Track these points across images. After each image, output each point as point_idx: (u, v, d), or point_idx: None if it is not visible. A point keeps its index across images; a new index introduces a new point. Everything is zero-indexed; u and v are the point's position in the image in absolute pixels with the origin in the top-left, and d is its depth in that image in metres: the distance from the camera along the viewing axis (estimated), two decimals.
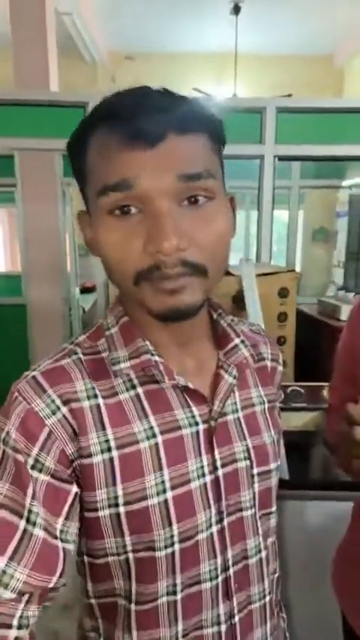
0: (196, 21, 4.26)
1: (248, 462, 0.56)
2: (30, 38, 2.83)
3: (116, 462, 0.49)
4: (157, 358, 0.51)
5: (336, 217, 4.75)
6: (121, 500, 0.49)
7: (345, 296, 1.99)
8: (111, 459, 0.49)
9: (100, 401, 0.50)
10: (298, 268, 4.35)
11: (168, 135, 0.43)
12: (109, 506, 0.49)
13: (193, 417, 0.53)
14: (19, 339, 3.18)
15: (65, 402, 0.48)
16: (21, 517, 0.45)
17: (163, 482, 0.50)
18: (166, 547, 0.50)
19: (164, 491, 0.50)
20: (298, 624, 1.07)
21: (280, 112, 1.93)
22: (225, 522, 0.54)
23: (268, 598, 0.60)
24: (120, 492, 0.49)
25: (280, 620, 0.65)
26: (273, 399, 0.63)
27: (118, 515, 0.49)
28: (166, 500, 0.50)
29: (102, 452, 0.49)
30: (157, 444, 0.50)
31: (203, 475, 0.53)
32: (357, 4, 3.80)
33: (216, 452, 0.54)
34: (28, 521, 0.46)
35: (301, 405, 1.31)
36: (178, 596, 0.52)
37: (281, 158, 2.00)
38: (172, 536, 0.50)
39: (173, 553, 0.51)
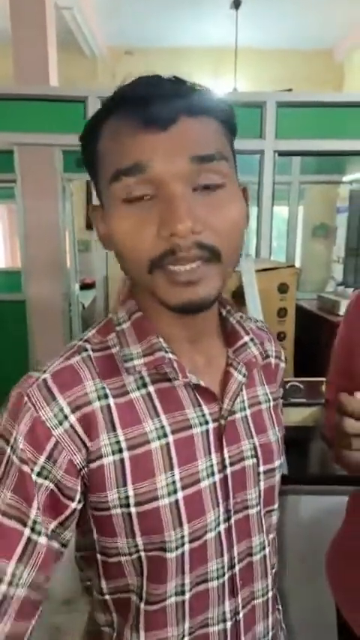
0: (196, 15, 4.24)
1: (255, 460, 0.56)
2: (30, 33, 2.81)
3: (127, 463, 0.48)
4: (171, 356, 0.50)
5: (336, 213, 4.74)
6: (132, 501, 0.48)
7: (344, 291, 1.99)
8: (122, 460, 0.48)
9: (111, 401, 0.49)
10: (297, 264, 4.34)
11: (180, 118, 0.43)
12: (120, 506, 0.48)
13: (204, 415, 0.53)
14: (19, 335, 3.18)
15: (75, 409, 0.47)
16: (25, 525, 0.44)
17: (174, 482, 0.49)
18: (176, 548, 0.50)
19: (175, 491, 0.49)
20: (293, 617, 1.07)
21: (280, 106, 1.92)
22: (232, 520, 0.54)
23: (270, 594, 0.60)
24: (131, 493, 0.48)
25: (275, 612, 0.66)
26: (277, 397, 0.63)
27: (129, 514, 0.48)
28: (177, 501, 0.49)
29: (113, 453, 0.48)
30: (168, 444, 0.50)
31: (212, 474, 0.52)
32: None
33: (225, 450, 0.53)
34: (32, 530, 0.45)
35: (300, 401, 1.31)
36: (186, 596, 0.52)
37: (281, 153, 2.00)
38: (182, 537, 0.50)
39: (183, 554, 0.50)
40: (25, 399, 0.47)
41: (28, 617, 0.45)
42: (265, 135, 1.92)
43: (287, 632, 0.70)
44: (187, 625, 0.53)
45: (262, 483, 0.57)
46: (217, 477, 0.53)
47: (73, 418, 0.47)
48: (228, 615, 0.55)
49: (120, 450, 0.48)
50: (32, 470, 0.45)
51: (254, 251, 2.08)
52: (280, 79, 4.48)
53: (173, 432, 0.51)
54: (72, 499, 0.47)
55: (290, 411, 1.26)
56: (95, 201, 0.54)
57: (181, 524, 0.49)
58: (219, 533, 0.53)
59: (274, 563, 0.63)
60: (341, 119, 1.96)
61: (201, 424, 0.52)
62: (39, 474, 0.45)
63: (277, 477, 0.60)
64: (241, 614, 0.56)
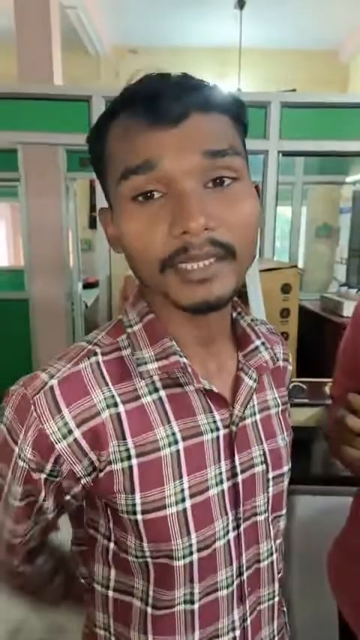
0: (200, 15, 4.23)
1: (264, 466, 0.55)
2: (34, 32, 2.82)
3: (135, 471, 0.47)
4: (185, 360, 0.49)
5: (339, 214, 4.74)
6: (138, 509, 0.47)
7: (347, 292, 1.98)
8: (130, 467, 0.47)
9: (121, 408, 0.48)
10: (301, 264, 4.34)
11: (191, 113, 0.42)
12: (127, 512, 0.48)
13: (215, 422, 0.51)
14: (22, 333, 3.19)
15: (80, 424, 0.46)
16: (37, 502, 0.50)
17: (182, 490, 0.48)
18: (184, 557, 0.49)
19: (183, 500, 0.48)
20: (295, 617, 1.07)
21: (284, 107, 1.92)
22: (242, 528, 0.53)
23: (277, 599, 0.59)
24: (138, 501, 0.47)
25: (281, 615, 0.65)
26: (285, 401, 0.62)
27: (136, 521, 0.48)
28: (184, 510, 0.48)
29: (122, 460, 0.47)
30: (178, 451, 0.49)
31: (221, 482, 0.51)
32: None
33: (236, 458, 0.52)
34: (41, 508, 0.51)
35: (303, 401, 1.31)
36: (196, 605, 0.51)
37: (285, 153, 2.00)
38: (190, 546, 0.49)
39: (191, 562, 0.50)
40: (32, 407, 0.46)
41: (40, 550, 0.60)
42: (269, 135, 1.92)
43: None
44: (197, 635, 0.52)
45: (270, 489, 0.56)
46: (226, 485, 0.52)
47: (77, 432, 0.46)
48: (237, 623, 0.54)
49: (129, 457, 0.47)
50: (39, 474, 0.47)
51: (257, 251, 2.08)
52: (285, 79, 4.47)
53: (184, 439, 0.49)
54: (68, 494, 0.50)
55: (293, 411, 1.26)
56: (100, 202, 0.53)
57: (188, 533, 0.49)
58: (228, 541, 0.52)
59: (280, 568, 0.62)
60: (345, 120, 1.95)
61: (212, 430, 0.51)
62: (45, 479, 0.48)
63: (286, 483, 0.59)
64: (248, 621, 0.55)
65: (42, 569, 0.62)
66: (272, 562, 0.58)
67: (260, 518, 0.55)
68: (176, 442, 0.49)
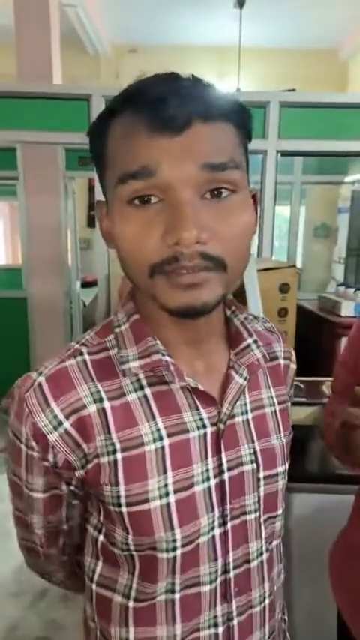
0: (200, 14, 4.23)
1: (255, 465, 0.55)
2: (34, 31, 2.82)
3: (120, 464, 0.49)
4: (167, 358, 0.50)
5: (338, 213, 4.75)
6: (123, 501, 0.49)
7: (345, 292, 1.99)
8: (115, 461, 0.49)
9: (106, 404, 0.49)
10: (299, 264, 4.35)
11: (193, 122, 0.41)
12: (113, 504, 0.50)
13: (201, 419, 0.52)
14: (20, 332, 3.20)
15: (70, 414, 0.49)
16: (62, 490, 0.53)
17: (166, 485, 0.49)
18: (167, 550, 0.50)
19: (167, 494, 0.49)
20: (294, 617, 1.08)
21: (283, 106, 1.93)
22: (228, 526, 0.53)
23: (268, 600, 0.59)
24: (122, 493, 0.49)
25: (281, 622, 0.65)
26: (284, 400, 0.61)
27: (121, 514, 0.49)
28: (168, 504, 0.49)
29: (107, 454, 0.49)
30: (162, 447, 0.50)
31: (208, 479, 0.52)
32: None
33: (223, 455, 0.52)
34: (67, 497, 0.54)
35: (301, 400, 1.32)
36: (176, 596, 0.52)
37: (284, 153, 2.00)
38: (174, 540, 0.50)
39: (175, 556, 0.50)
40: (24, 404, 0.49)
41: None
42: (268, 135, 1.93)
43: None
44: (178, 628, 0.53)
45: (262, 489, 0.56)
46: (213, 482, 0.52)
47: (67, 424, 0.49)
48: (220, 620, 0.54)
49: (114, 451, 0.49)
50: (49, 463, 0.50)
51: (256, 251, 2.08)
52: (284, 78, 4.48)
53: (169, 436, 0.50)
54: (72, 484, 0.53)
55: (290, 410, 1.27)
56: (98, 196, 0.53)
57: (172, 528, 0.49)
58: (213, 537, 0.52)
59: (278, 570, 0.62)
60: (344, 120, 1.96)
61: (198, 428, 0.51)
62: (53, 466, 0.51)
63: (281, 483, 0.58)
64: (235, 621, 0.55)
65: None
66: (262, 562, 0.57)
67: (250, 517, 0.55)
68: (161, 438, 0.50)
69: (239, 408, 0.55)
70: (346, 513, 0.88)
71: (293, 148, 2.00)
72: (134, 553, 0.51)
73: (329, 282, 4.41)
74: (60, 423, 0.48)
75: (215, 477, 0.52)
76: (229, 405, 0.53)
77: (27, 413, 0.49)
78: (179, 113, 0.41)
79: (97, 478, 0.50)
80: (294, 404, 0.67)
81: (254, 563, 0.56)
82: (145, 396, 0.51)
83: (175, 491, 0.50)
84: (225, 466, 0.53)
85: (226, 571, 0.54)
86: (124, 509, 0.49)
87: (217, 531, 0.53)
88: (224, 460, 0.52)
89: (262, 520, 0.56)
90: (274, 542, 0.60)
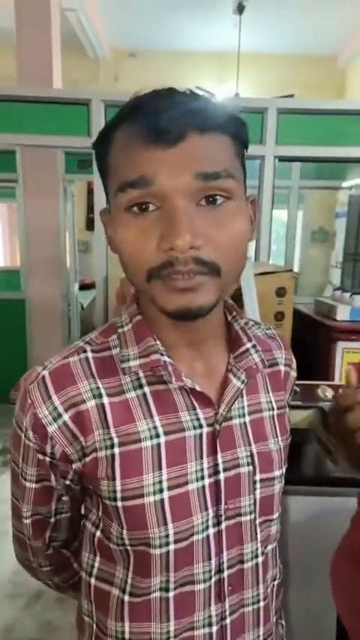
0: (199, 19, 4.26)
1: (251, 467, 0.56)
2: (34, 34, 2.83)
3: (117, 459, 0.51)
4: (166, 358, 0.52)
5: (335, 218, 4.77)
6: (118, 495, 0.51)
7: (341, 296, 2.01)
8: (112, 456, 0.51)
9: (105, 400, 0.52)
10: (296, 268, 4.37)
11: (188, 134, 0.44)
12: (109, 499, 0.51)
13: (198, 419, 0.53)
14: (18, 333, 3.20)
15: (69, 408, 0.51)
16: (52, 483, 0.55)
17: (160, 481, 0.51)
18: (160, 546, 0.51)
19: (161, 490, 0.51)
20: (290, 620, 1.09)
21: (281, 113, 1.94)
22: (223, 526, 0.54)
23: (262, 603, 0.59)
24: (118, 488, 0.51)
25: (278, 627, 0.65)
26: (283, 405, 0.63)
27: (117, 508, 0.51)
28: (162, 500, 0.51)
29: (105, 448, 0.51)
30: (159, 444, 0.51)
31: (202, 478, 0.53)
32: None
33: (219, 455, 0.54)
34: (57, 490, 0.56)
35: (296, 403, 1.33)
36: (171, 594, 0.53)
37: (282, 159, 2.02)
38: (167, 536, 0.51)
39: (168, 552, 0.52)
40: (27, 395, 0.52)
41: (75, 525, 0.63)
42: (266, 141, 1.94)
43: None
44: (172, 625, 0.54)
45: (257, 492, 0.57)
46: (207, 481, 0.53)
47: (66, 416, 0.51)
48: (214, 619, 0.55)
49: (112, 446, 0.51)
50: (44, 457, 0.53)
51: (253, 254, 2.10)
52: (283, 84, 4.51)
53: (166, 434, 0.52)
54: (68, 478, 0.55)
55: (289, 415, 1.27)
56: (98, 204, 0.55)
57: (165, 523, 0.51)
58: (207, 536, 0.54)
59: (273, 574, 0.63)
60: (342, 126, 1.98)
61: (195, 427, 0.53)
62: (50, 462, 0.53)
63: (277, 487, 0.59)
64: (228, 620, 0.56)
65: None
66: (257, 564, 0.58)
67: (245, 519, 0.56)
68: (157, 436, 0.52)
69: (237, 410, 0.56)
70: (342, 516, 0.88)
71: (290, 154, 2.02)
72: (129, 548, 0.52)
73: (326, 286, 4.43)
74: (59, 415, 0.51)
75: (210, 476, 0.53)
76: (226, 407, 0.54)
77: (29, 404, 0.51)
78: (174, 126, 0.43)
79: (95, 472, 0.51)
80: (289, 407, 0.68)
81: (248, 565, 0.57)
82: (144, 395, 0.53)
83: (170, 488, 0.51)
84: (220, 466, 0.54)
85: (220, 570, 0.55)
86: (119, 503, 0.51)
87: (212, 531, 0.54)
88: (220, 460, 0.54)
89: (257, 522, 0.57)
90: (269, 547, 0.61)
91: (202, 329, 0.53)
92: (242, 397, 0.57)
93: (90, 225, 4.99)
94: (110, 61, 5.06)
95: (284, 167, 2.85)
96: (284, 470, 0.61)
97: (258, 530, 0.58)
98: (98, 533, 0.56)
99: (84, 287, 4.10)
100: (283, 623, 0.68)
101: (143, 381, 0.53)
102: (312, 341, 1.95)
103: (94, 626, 0.58)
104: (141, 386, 0.53)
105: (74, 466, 0.53)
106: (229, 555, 0.55)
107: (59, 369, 0.53)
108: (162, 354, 0.52)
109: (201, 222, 0.45)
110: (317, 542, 0.92)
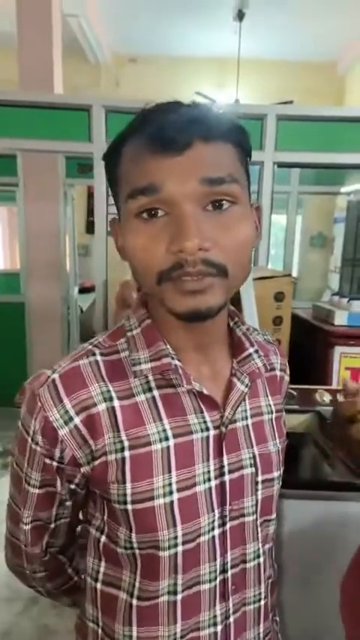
0: (200, 25, 4.30)
1: (254, 469, 0.58)
2: (36, 39, 2.85)
3: (127, 462, 0.51)
4: (177, 362, 0.53)
5: (334, 223, 4.79)
6: (129, 499, 0.51)
7: (339, 301, 2.01)
8: (123, 459, 0.51)
9: (116, 403, 0.52)
10: (295, 273, 4.38)
11: (194, 142, 0.46)
12: (119, 502, 0.52)
13: (205, 422, 0.55)
14: (17, 336, 3.20)
15: (80, 411, 0.51)
16: (56, 491, 0.55)
17: (170, 484, 0.52)
18: (169, 547, 0.52)
19: (171, 493, 0.52)
20: (283, 622, 1.09)
21: (280, 119, 1.96)
22: (227, 526, 0.56)
23: (263, 602, 0.61)
24: (129, 491, 0.51)
25: (273, 624, 0.67)
26: (280, 409, 0.65)
27: (126, 511, 0.52)
28: (172, 502, 0.52)
29: (115, 452, 0.51)
30: (168, 447, 0.52)
31: (209, 480, 0.54)
32: None
33: (224, 457, 0.55)
34: (61, 495, 0.56)
35: (293, 407, 1.34)
36: (178, 597, 0.54)
37: (281, 165, 2.04)
38: (175, 537, 0.52)
39: (176, 554, 0.52)
40: (37, 398, 0.52)
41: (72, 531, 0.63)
42: (265, 147, 1.96)
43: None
44: (178, 627, 0.55)
45: (259, 492, 0.58)
46: (214, 483, 0.54)
47: (77, 420, 0.51)
48: (219, 619, 0.57)
49: (122, 449, 0.52)
50: (51, 461, 0.53)
51: (252, 259, 2.11)
52: (282, 90, 4.54)
53: (174, 436, 0.53)
54: (72, 482, 0.55)
55: (285, 418, 1.28)
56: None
57: (174, 525, 0.52)
58: (213, 537, 0.55)
59: (270, 574, 0.64)
60: (340, 133, 1.99)
61: (202, 430, 0.54)
62: (57, 467, 0.53)
63: (276, 488, 0.61)
64: (231, 619, 0.57)
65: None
66: (259, 564, 0.60)
67: (248, 519, 0.58)
68: (167, 438, 0.53)
69: (240, 413, 0.58)
70: (338, 520, 0.89)
71: (289, 160, 2.03)
72: (137, 551, 0.53)
73: (325, 291, 4.44)
74: (70, 419, 0.51)
75: (216, 478, 0.55)
76: (231, 410, 0.56)
77: (39, 407, 0.51)
78: (180, 136, 0.46)
79: (105, 476, 0.52)
80: (286, 411, 0.69)
81: (250, 564, 0.59)
82: (154, 398, 0.54)
83: (179, 490, 0.52)
84: (226, 468, 0.55)
85: (224, 570, 0.56)
86: (129, 506, 0.51)
87: (217, 531, 0.55)
88: (225, 462, 0.55)
89: (258, 523, 0.59)
90: (267, 546, 0.62)
91: (210, 331, 0.55)
92: (244, 401, 0.58)
93: (90, 228, 5.01)
94: (111, 66, 5.09)
95: (283, 173, 2.86)
96: (282, 471, 0.62)
97: (259, 530, 0.59)
98: (103, 538, 0.56)
99: (83, 290, 4.10)
100: (277, 619, 0.70)
101: (152, 384, 0.54)
102: (310, 345, 1.95)
103: (100, 630, 0.59)
104: (150, 389, 0.54)
105: (82, 470, 0.53)
106: (233, 555, 0.57)
107: (69, 373, 0.53)
108: (172, 358, 0.53)
109: (208, 226, 0.47)
110: (314, 545, 0.93)
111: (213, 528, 0.55)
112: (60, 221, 3.12)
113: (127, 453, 0.51)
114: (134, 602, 0.54)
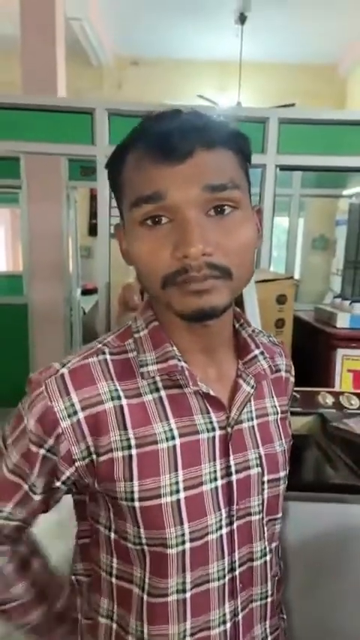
0: (202, 29, 4.32)
1: (260, 469, 0.58)
2: (39, 43, 2.87)
3: (134, 460, 0.52)
4: (183, 364, 0.54)
5: (336, 226, 4.79)
6: (136, 496, 0.52)
7: (341, 304, 2.02)
8: (130, 457, 0.52)
9: (124, 402, 0.53)
10: (297, 275, 4.39)
11: (196, 151, 0.47)
12: (126, 499, 0.52)
13: (211, 422, 0.55)
14: (20, 338, 3.21)
15: (85, 407, 0.52)
16: (26, 483, 0.55)
17: (177, 482, 0.53)
18: (177, 545, 0.53)
19: (177, 491, 0.52)
20: (295, 623, 1.09)
21: (282, 122, 1.97)
22: (235, 525, 0.56)
23: (270, 599, 0.62)
24: (136, 488, 0.52)
25: (280, 621, 0.68)
26: (285, 410, 0.66)
27: (134, 508, 0.52)
28: (178, 500, 0.52)
29: (122, 449, 0.52)
30: (174, 446, 0.53)
31: (215, 479, 0.55)
32: None
33: (231, 458, 0.56)
34: (30, 488, 0.55)
35: (296, 410, 1.34)
36: (187, 595, 0.55)
37: (283, 168, 2.04)
38: (182, 535, 0.53)
39: (184, 552, 0.53)
40: (42, 388, 0.53)
41: (19, 539, 0.62)
42: (267, 150, 1.97)
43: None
44: (188, 625, 0.55)
45: (265, 492, 0.59)
46: (220, 482, 0.55)
47: (81, 415, 0.52)
48: (228, 617, 0.57)
49: (129, 447, 0.52)
50: (38, 449, 0.53)
51: (255, 260, 2.12)
52: (284, 92, 4.56)
53: (181, 436, 0.54)
54: (59, 479, 0.54)
55: (290, 419, 1.28)
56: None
57: (181, 523, 0.52)
58: (221, 536, 0.56)
59: (276, 571, 0.65)
60: (342, 136, 2.00)
61: (208, 430, 0.55)
62: (44, 455, 0.53)
63: (282, 487, 0.62)
64: (240, 616, 0.58)
65: (23, 597, 0.64)
66: (266, 562, 0.60)
67: (254, 518, 0.58)
68: (173, 438, 0.54)
69: (246, 414, 0.59)
70: (340, 523, 0.89)
71: (291, 163, 2.04)
72: (145, 548, 0.54)
73: (327, 293, 4.44)
74: (75, 412, 0.52)
75: (222, 477, 0.56)
76: (237, 411, 0.57)
77: (44, 396, 0.52)
78: (182, 144, 0.47)
79: (111, 473, 0.52)
80: (290, 413, 0.69)
81: (257, 562, 0.60)
82: (160, 398, 0.55)
83: (185, 489, 0.53)
84: (233, 468, 0.56)
85: (232, 569, 0.57)
86: (136, 503, 0.52)
87: (225, 530, 0.56)
88: (232, 463, 0.56)
89: (264, 522, 0.60)
90: (274, 544, 0.63)
91: (215, 333, 0.56)
92: (250, 402, 0.59)
93: (92, 230, 5.03)
94: (113, 69, 5.11)
95: (285, 175, 2.87)
96: (287, 471, 0.63)
97: (265, 529, 0.60)
98: (113, 535, 0.56)
99: (86, 292, 4.11)
100: (284, 616, 0.70)
101: (159, 384, 0.55)
102: (312, 348, 1.96)
103: (114, 625, 0.59)
104: (157, 389, 0.55)
105: (77, 464, 0.53)
106: (241, 554, 0.58)
107: (79, 369, 0.54)
108: (179, 360, 0.54)
109: (211, 231, 0.48)
110: (316, 548, 0.93)
111: (220, 527, 0.55)
112: (63, 223, 3.13)
113: (134, 451, 0.52)
114: (145, 597, 0.55)
